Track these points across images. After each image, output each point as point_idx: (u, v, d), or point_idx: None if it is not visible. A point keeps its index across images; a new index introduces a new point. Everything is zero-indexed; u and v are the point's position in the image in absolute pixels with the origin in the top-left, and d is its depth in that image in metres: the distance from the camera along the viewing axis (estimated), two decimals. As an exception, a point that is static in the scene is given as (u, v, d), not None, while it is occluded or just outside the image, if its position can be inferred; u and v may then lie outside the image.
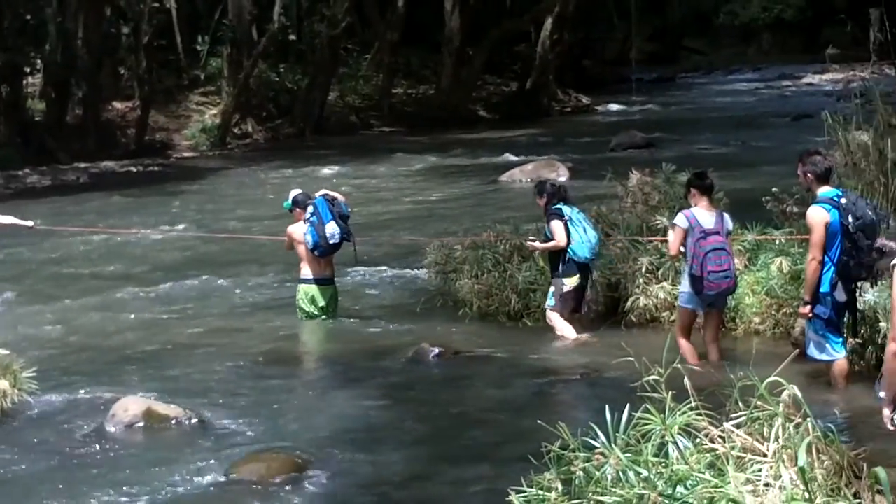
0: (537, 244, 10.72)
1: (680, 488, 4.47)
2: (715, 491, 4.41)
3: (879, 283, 8.09)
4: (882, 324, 8.10)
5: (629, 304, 10.55)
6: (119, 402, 8.42)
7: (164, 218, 19.20)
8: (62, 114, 28.67)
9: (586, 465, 4.75)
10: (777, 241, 10.53)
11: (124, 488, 7.10)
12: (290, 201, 11.54)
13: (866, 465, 4.80)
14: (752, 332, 10.02)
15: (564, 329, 10.34)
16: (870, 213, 8.01)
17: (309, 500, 6.91)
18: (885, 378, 4.86)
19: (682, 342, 9.04)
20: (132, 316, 12.12)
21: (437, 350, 10.00)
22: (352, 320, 11.48)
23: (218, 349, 10.56)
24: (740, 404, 4.92)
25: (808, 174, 8.17)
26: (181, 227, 18.19)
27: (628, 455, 4.69)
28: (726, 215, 9.35)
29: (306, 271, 11.31)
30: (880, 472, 4.54)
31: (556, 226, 10.29)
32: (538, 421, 5.42)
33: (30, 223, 12.34)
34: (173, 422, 8.27)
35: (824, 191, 8.10)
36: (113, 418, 8.26)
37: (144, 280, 13.97)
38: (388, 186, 22.89)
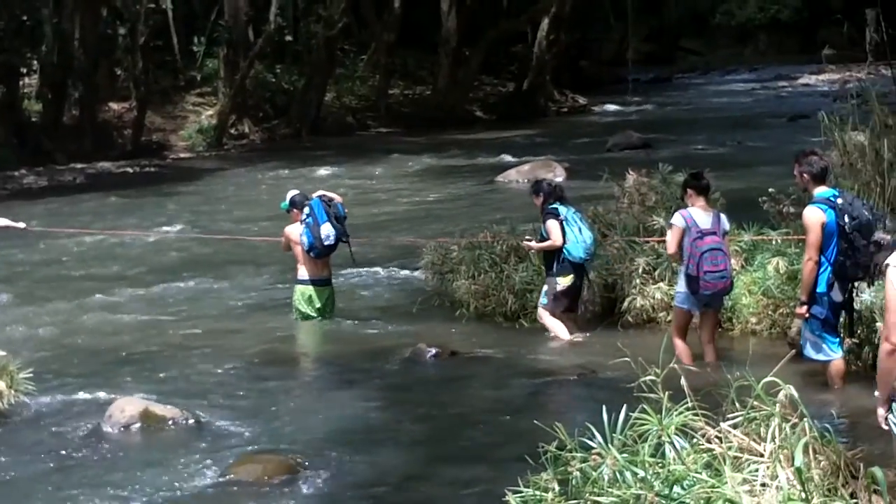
0: (533, 244, 10.72)
1: (677, 488, 4.47)
2: (711, 491, 4.41)
3: (877, 280, 8.09)
4: (878, 324, 8.10)
5: (626, 304, 10.55)
6: (115, 403, 8.42)
7: (161, 219, 19.17)
8: (58, 114, 28.61)
9: (583, 465, 4.76)
10: (774, 242, 10.53)
11: (120, 489, 7.11)
12: (287, 202, 11.54)
13: (863, 465, 4.81)
14: (749, 333, 10.03)
15: (556, 328, 10.34)
16: (866, 213, 8.02)
17: (305, 501, 6.92)
18: (878, 377, 4.86)
19: (679, 343, 9.02)
20: (128, 317, 12.10)
21: (433, 351, 10.00)
22: (348, 321, 11.47)
23: (214, 350, 10.56)
24: (737, 404, 4.93)
25: (805, 174, 8.18)
26: (177, 227, 18.16)
27: (625, 455, 4.69)
28: (723, 216, 9.35)
29: (303, 272, 11.31)
30: (877, 471, 4.54)
31: (552, 225, 10.29)
32: (535, 421, 5.44)
33: (22, 224, 12.34)
34: (170, 423, 8.27)
35: (820, 191, 8.11)
36: (109, 419, 8.26)
37: (141, 281, 13.96)
38: (384, 187, 22.87)
